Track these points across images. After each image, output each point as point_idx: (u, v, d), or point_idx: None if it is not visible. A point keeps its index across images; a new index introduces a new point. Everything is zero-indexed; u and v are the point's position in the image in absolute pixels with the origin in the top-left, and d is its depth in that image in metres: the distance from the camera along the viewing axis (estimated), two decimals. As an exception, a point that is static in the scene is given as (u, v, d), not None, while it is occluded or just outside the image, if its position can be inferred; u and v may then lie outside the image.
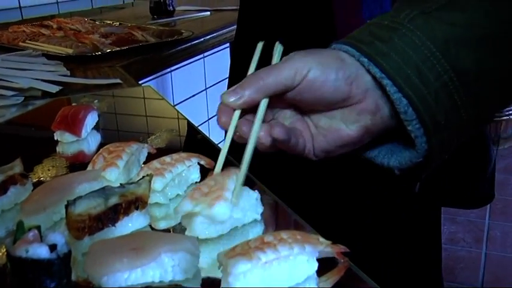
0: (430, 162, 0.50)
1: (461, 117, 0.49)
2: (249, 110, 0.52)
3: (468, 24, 0.48)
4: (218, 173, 0.53)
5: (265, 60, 0.55)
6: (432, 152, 0.49)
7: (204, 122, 2.28)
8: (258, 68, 0.53)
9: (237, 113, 0.51)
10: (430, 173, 0.52)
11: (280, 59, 0.53)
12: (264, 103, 0.51)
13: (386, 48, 0.48)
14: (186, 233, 0.52)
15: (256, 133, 0.50)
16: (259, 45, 0.56)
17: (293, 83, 0.49)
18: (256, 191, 0.54)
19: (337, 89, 0.49)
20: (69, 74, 1.15)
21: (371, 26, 0.51)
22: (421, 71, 0.47)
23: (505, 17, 0.49)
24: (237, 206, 0.52)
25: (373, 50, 0.48)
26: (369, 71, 0.48)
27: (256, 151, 0.51)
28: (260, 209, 0.55)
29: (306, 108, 0.53)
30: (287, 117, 0.54)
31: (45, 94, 1.02)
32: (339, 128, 0.52)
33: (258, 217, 0.54)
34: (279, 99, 0.51)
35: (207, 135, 0.82)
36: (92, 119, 0.81)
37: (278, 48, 0.55)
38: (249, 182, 0.54)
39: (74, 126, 0.76)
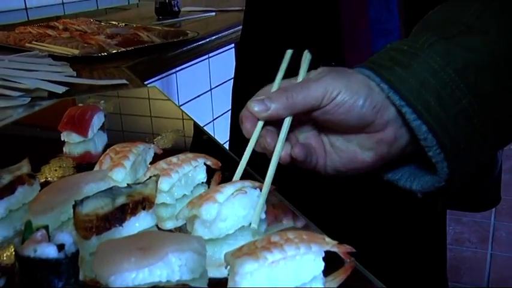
0: (451, 185, 0.50)
1: (481, 140, 0.49)
2: (270, 121, 0.52)
3: (488, 50, 0.48)
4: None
5: (275, 65, 0.55)
6: (453, 175, 0.49)
7: (209, 122, 2.28)
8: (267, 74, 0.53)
9: (261, 123, 0.52)
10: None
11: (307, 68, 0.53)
12: (287, 121, 0.51)
13: (406, 74, 0.48)
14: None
15: (279, 153, 0.51)
16: (288, 54, 0.56)
17: (320, 104, 0.49)
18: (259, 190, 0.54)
19: (362, 116, 0.49)
20: (75, 74, 1.15)
21: (391, 50, 0.51)
22: (441, 97, 0.47)
23: None
24: (257, 229, 0.52)
25: (393, 76, 0.48)
26: (389, 98, 0.48)
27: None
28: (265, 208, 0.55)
29: (325, 127, 0.53)
30: (303, 131, 0.55)
31: (52, 95, 1.03)
32: (354, 151, 0.52)
33: (263, 216, 0.54)
34: (300, 114, 0.51)
35: (213, 136, 0.82)
36: (98, 120, 0.81)
37: (307, 57, 0.55)
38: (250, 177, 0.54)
39: (80, 126, 0.76)
